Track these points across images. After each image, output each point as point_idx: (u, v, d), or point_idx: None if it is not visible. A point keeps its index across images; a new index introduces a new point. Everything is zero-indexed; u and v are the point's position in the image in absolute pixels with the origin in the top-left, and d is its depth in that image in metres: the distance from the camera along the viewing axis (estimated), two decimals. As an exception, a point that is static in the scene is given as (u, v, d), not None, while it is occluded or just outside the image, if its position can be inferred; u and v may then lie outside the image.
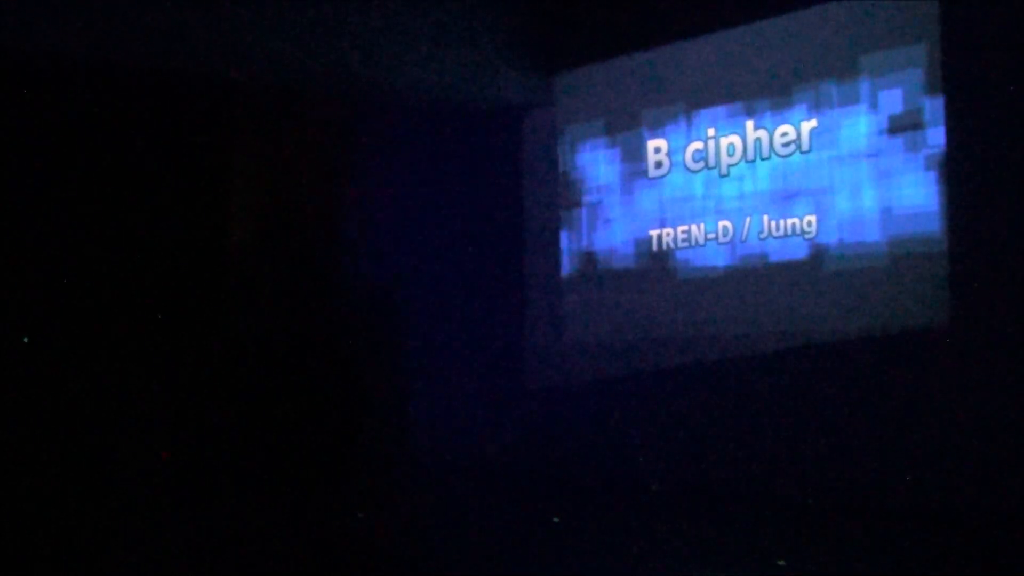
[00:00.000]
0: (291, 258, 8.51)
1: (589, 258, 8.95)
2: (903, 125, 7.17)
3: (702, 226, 8.24)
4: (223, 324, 7.25)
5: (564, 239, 9.14)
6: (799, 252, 7.69)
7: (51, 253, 8.04)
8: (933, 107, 7.01)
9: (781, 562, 5.37)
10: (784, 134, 7.80)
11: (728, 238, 8.07)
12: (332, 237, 8.92)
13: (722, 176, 8.14)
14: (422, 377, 9.28)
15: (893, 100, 7.22)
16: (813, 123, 7.66)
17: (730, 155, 8.09)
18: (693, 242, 8.26)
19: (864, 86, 7.37)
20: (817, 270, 7.60)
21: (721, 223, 8.11)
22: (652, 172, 8.57)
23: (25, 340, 7.67)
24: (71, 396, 7.79)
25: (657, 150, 8.53)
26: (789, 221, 7.75)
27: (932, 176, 7.03)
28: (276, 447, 7.79)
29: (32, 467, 7.06)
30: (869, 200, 7.34)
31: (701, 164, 8.27)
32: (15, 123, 7.99)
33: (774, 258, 7.82)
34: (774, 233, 7.82)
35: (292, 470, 7.79)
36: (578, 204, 9.07)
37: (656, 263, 8.50)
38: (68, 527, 6.24)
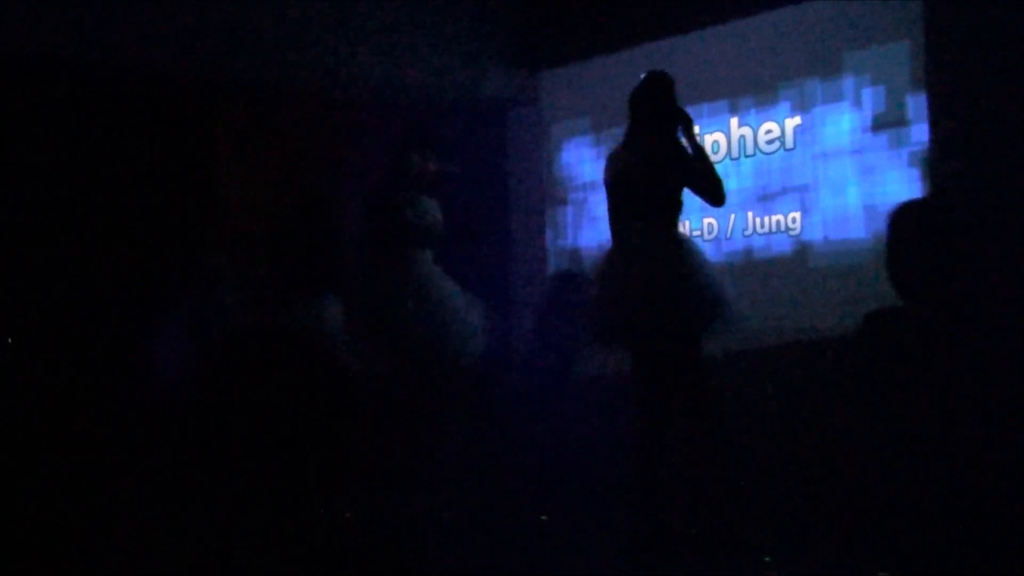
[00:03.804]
0: (281, 258, 8.47)
1: (575, 256, 8.93)
2: (887, 122, 7.19)
3: (687, 223, 8.22)
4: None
5: (549, 237, 9.13)
6: (784, 249, 7.71)
7: (41, 253, 8.02)
8: (917, 104, 7.04)
9: (767, 558, 5.39)
10: (768, 131, 7.82)
11: (713, 235, 8.08)
12: (318, 236, 8.89)
13: (707, 173, 8.13)
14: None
15: (877, 97, 7.24)
16: (797, 120, 7.67)
17: (715, 152, 8.09)
18: (678, 239, 8.26)
19: (848, 83, 7.39)
20: (802, 266, 7.61)
21: (706, 220, 8.11)
22: (637, 169, 8.56)
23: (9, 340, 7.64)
24: (66, 394, 7.77)
25: (642, 147, 8.52)
26: (774, 218, 7.76)
27: (916, 173, 7.05)
28: (267, 447, 7.75)
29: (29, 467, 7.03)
30: (853, 197, 7.35)
31: (686, 161, 8.26)
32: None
33: (759, 255, 7.84)
34: (759, 230, 7.83)
35: (278, 469, 7.75)
36: (564, 202, 9.06)
37: (641, 260, 8.49)
38: (62, 526, 6.21)
